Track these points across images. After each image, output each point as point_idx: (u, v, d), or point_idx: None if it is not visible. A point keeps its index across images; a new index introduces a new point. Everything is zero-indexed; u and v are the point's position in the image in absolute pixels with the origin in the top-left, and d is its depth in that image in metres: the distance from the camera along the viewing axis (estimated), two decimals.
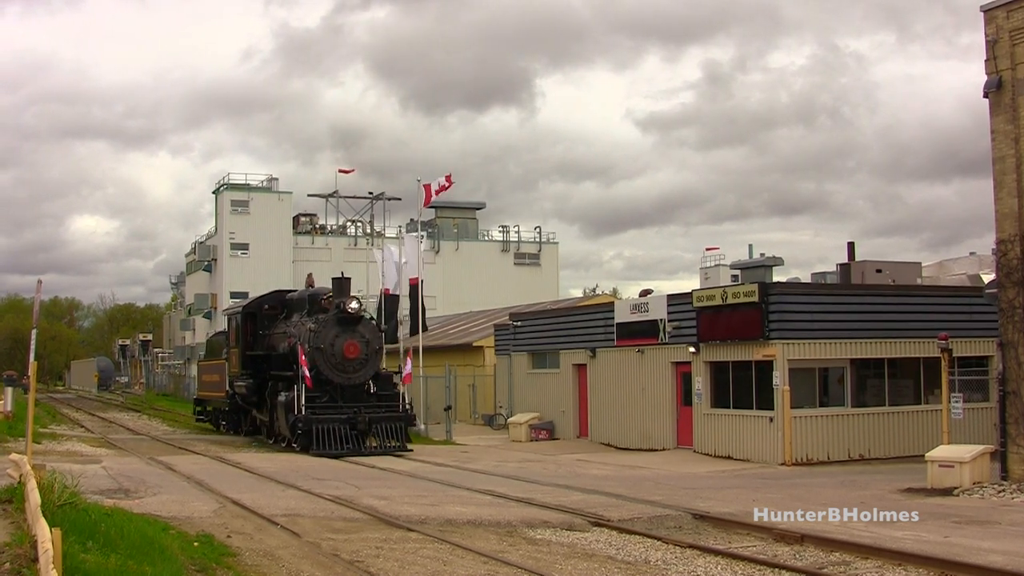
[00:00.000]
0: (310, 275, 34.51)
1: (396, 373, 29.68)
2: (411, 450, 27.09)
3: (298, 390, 26.74)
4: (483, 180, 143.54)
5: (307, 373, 26.62)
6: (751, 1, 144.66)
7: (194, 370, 75.39)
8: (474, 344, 42.02)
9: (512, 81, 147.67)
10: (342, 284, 29.14)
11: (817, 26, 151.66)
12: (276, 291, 34.54)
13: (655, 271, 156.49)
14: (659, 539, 13.11)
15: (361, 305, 28.26)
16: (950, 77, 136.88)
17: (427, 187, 27.62)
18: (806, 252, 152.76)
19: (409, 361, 30.38)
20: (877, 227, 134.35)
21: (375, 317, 31.41)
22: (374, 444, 26.94)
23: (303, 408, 26.58)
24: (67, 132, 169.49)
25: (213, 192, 73.14)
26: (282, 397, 27.75)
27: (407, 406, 28.68)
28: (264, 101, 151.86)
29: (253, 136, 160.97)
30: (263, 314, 32.53)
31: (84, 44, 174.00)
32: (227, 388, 34.11)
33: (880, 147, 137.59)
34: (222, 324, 69.14)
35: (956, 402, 20.85)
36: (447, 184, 29.69)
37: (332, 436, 26.26)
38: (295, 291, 33.61)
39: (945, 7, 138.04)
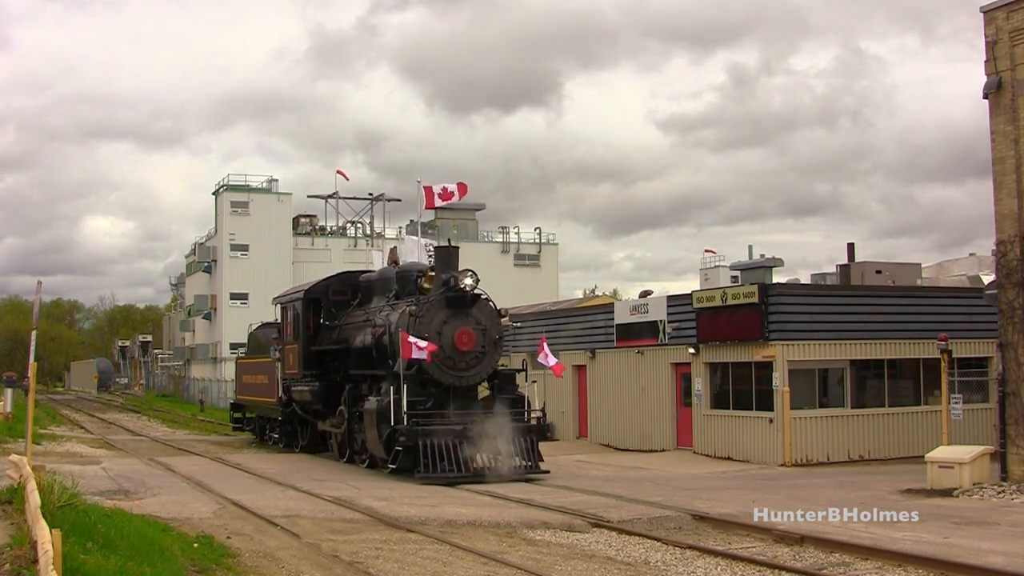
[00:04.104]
0: (393, 249, 28.30)
1: (518, 371, 23.10)
2: (547, 472, 20.91)
3: (397, 392, 20.43)
4: (502, 181, 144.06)
5: (420, 354, 20.07)
6: (778, 4, 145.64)
7: (194, 371, 75.72)
8: None
9: (539, 83, 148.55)
10: (449, 254, 22.25)
11: (842, 29, 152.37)
12: (344, 272, 28.66)
13: (663, 272, 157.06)
14: (659, 540, 13.11)
15: (477, 281, 21.60)
16: (969, 79, 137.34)
17: (427, 189, 26.80)
18: (815, 253, 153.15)
19: (547, 350, 22.40)
20: (889, 228, 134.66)
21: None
22: (499, 464, 20.82)
23: (404, 417, 20.31)
24: (91, 133, 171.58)
25: (213, 193, 73.17)
26: (371, 402, 21.58)
27: (539, 413, 22.09)
28: (290, 103, 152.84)
29: (275, 138, 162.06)
30: (329, 301, 26.68)
31: (120, 46, 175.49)
32: (280, 393, 28.21)
33: (897, 149, 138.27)
34: (223, 323, 70.03)
35: (956, 403, 20.87)
36: (455, 194, 26.11)
37: (444, 455, 20.09)
38: (369, 271, 27.53)
39: (969, 11, 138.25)
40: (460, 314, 21.40)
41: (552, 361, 22.05)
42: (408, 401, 20.40)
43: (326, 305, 26.65)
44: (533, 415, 21.89)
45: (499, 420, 21.02)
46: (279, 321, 29.16)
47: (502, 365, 22.94)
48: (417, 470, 19.92)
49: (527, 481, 19.99)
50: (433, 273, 22.52)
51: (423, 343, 20.17)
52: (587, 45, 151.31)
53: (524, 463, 20.74)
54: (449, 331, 21.13)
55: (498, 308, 22.24)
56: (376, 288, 25.27)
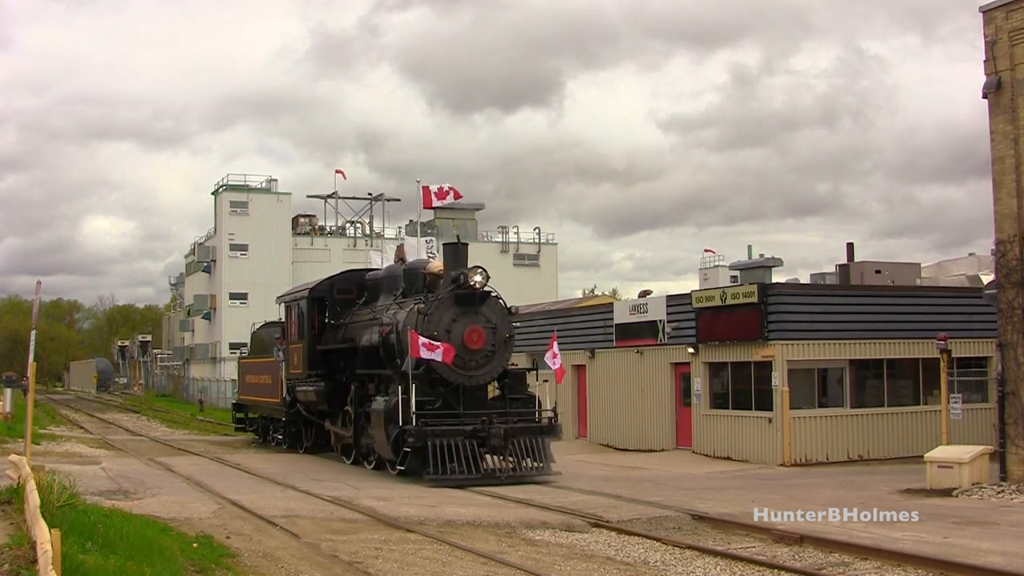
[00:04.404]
0: (400, 246, 27.72)
1: (529, 370, 22.65)
2: (559, 473, 20.37)
3: (405, 392, 19.88)
4: (502, 181, 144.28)
5: (435, 354, 19.58)
6: (780, 4, 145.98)
7: (194, 371, 75.70)
8: None
9: (540, 83, 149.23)
10: (458, 251, 21.89)
11: (843, 29, 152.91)
12: (349, 270, 28.40)
13: (663, 272, 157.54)
14: (658, 540, 13.10)
15: (487, 278, 21.10)
16: (970, 79, 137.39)
17: (426, 189, 26.55)
18: (815, 253, 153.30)
19: (556, 350, 21.68)
20: (889, 228, 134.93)
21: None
22: (510, 465, 20.16)
23: (413, 417, 19.76)
24: (92, 133, 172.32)
25: (212, 193, 73.22)
26: (379, 403, 20.97)
27: (550, 413, 21.44)
28: (291, 103, 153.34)
29: (276, 138, 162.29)
30: (334, 299, 26.12)
31: (122, 46, 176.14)
32: (284, 393, 27.65)
33: (897, 149, 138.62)
34: (222, 323, 70.00)
35: (955, 403, 20.88)
36: (452, 194, 25.84)
37: (453, 456, 19.51)
38: (375, 269, 27.11)
39: (970, 11, 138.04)
40: (470, 312, 20.86)
41: (556, 364, 21.44)
42: (416, 401, 19.83)
43: (331, 304, 26.09)
44: (544, 415, 21.39)
45: (509, 420, 20.54)
46: (283, 320, 28.77)
47: (512, 364, 22.26)
48: (426, 472, 19.36)
49: (538, 483, 19.52)
50: (442, 270, 22.14)
51: (437, 345, 19.61)
52: (589, 45, 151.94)
53: (535, 464, 20.23)
54: (459, 329, 20.62)
55: (508, 306, 21.74)
56: (383, 286, 24.78)
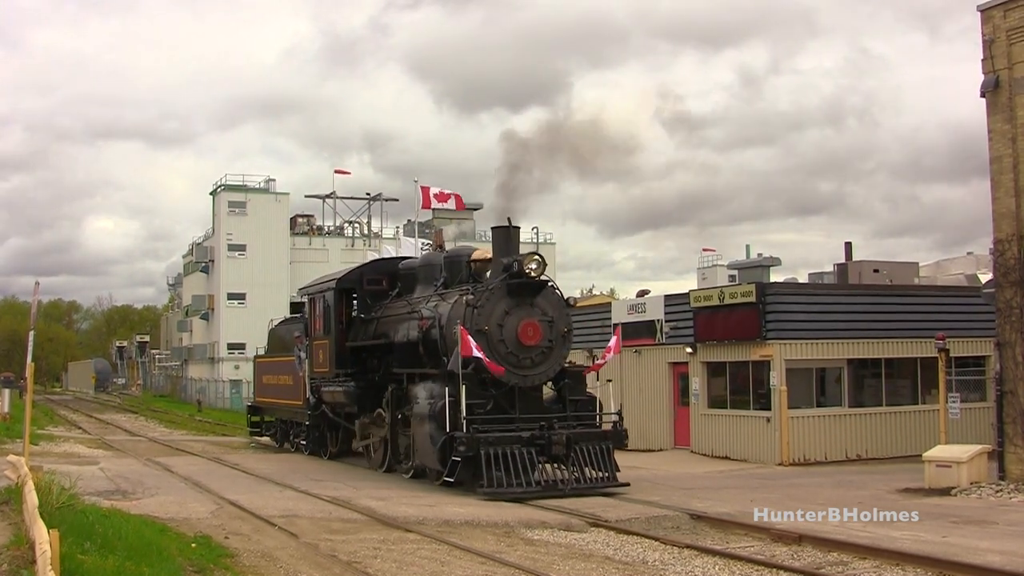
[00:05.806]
0: (439, 232, 25.66)
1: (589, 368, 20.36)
2: (627, 485, 18.06)
3: (453, 394, 17.59)
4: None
5: (482, 355, 17.59)
6: (786, 4, 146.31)
7: (192, 371, 75.63)
8: None
9: (548, 83, 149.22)
10: (509, 235, 19.33)
11: (849, 29, 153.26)
12: (379, 259, 26.21)
13: (665, 271, 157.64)
14: (657, 539, 13.11)
15: (544, 266, 18.71)
16: (974, 78, 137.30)
17: (425, 189, 26.40)
18: (817, 253, 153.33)
19: (614, 346, 19.77)
20: (891, 228, 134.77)
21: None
22: (572, 476, 17.88)
23: (463, 422, 17.52)
24: (98, 134, 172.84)
25: (210, 193, 73.18)
26: (422, 405, 18.58)
27: (616, 417, 19.21)
28: (298, 103, 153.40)
29: (281, 138, 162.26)
30: (363, 291, 23.93)
31: (131, 47, 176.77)
32: (307, 395, 25.46)
33: (901, 148, 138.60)
34: (221, 324, 69.99)
35: (953, 402, 20.90)
36: (455, 200, 24.81)
37: (509, 466, 17.28)
38: (410, 258, 24.99)
39: (975, 10, 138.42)
40: (524, 304, 18.58)
41: (609, 356, 19.78)
42: (466, 404, 17.65)
43: (360, 296, 24.01)
44: (607, 419, 19.31)
45: (569, 425, 18.46)
46: (305, 316, 26.37)
47: (569, 362, 19.97)
48: (479, 484, 17.28)
49: (605, 495, 17.55)
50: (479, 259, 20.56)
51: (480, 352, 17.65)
52: (596, 45, 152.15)
53: (599, 474, 18.04)
54: (512, 323, 18.37)
55: (566, 297, 19.65)
56: (419, 276, 22.62)
